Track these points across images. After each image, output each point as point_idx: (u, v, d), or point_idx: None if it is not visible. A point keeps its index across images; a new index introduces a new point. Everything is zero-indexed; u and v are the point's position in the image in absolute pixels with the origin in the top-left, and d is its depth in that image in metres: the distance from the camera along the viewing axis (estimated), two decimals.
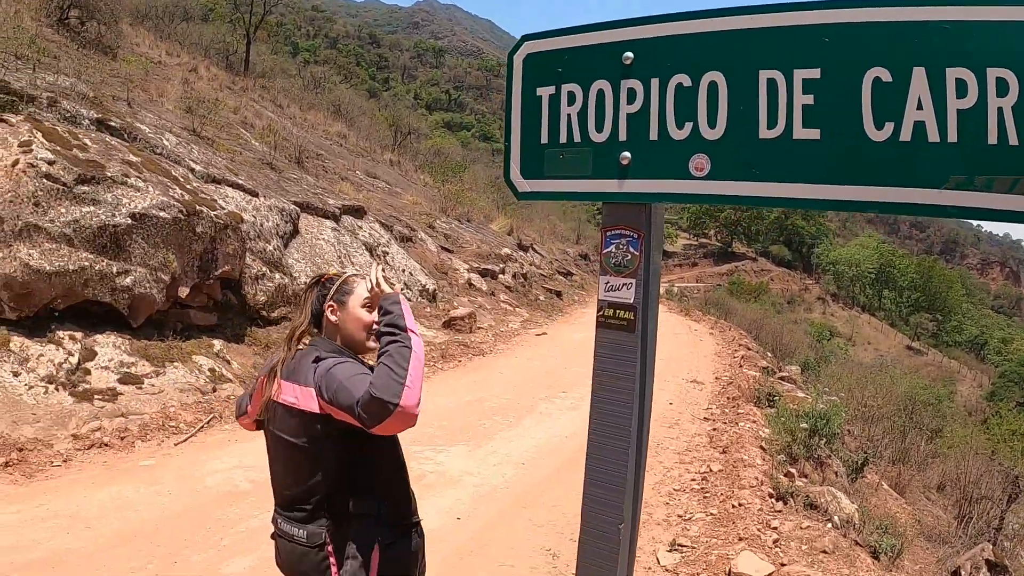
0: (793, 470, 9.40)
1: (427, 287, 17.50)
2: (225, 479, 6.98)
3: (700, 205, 69.76)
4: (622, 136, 2.62)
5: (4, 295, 8.01)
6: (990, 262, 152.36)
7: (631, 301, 2.71)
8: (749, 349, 19.87)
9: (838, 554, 6.55)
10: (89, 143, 9.85)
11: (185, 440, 7.94)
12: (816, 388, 16.20)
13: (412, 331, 2.50)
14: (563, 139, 2.79)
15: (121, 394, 8.32)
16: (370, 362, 2.62)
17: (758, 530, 6.76)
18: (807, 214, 74.88)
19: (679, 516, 7.21)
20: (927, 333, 67.01)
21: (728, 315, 29.09)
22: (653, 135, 2.54)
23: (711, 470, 8.49)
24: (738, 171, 2.35)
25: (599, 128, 2.68)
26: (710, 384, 14.09)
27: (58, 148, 9.04)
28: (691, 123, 2.45)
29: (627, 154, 2.61)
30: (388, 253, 17.24)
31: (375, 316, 2.63)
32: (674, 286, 43.65)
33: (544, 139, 2.85)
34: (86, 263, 8.60)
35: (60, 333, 8.51)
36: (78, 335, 8.63)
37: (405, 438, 7.28)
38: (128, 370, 8.67)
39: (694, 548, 6.41)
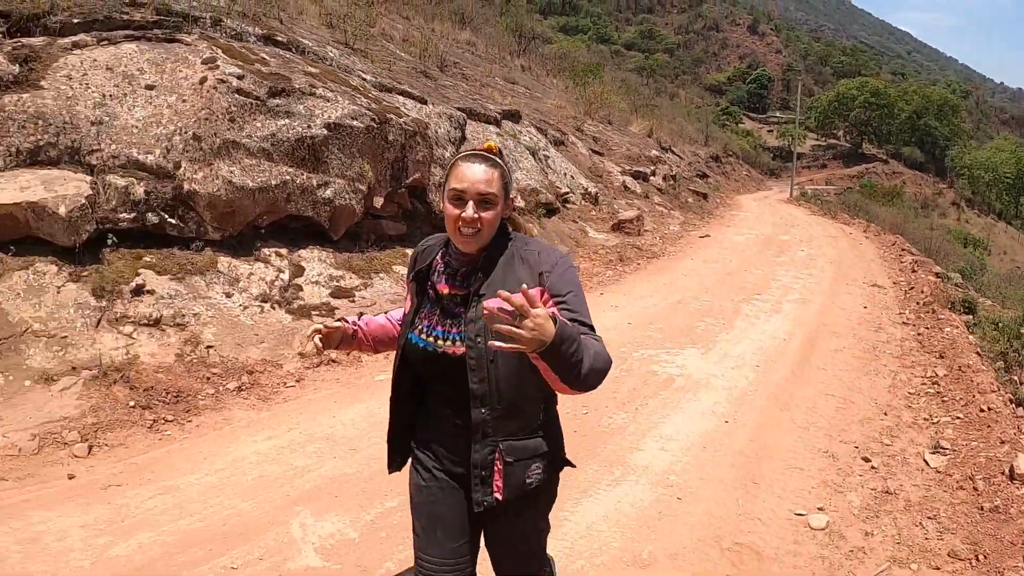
0: (1015, 377, 9.11)
1: (589, 190, 17.35)
2: None
3: (829, 103, 66.76)
4: None
5: (208, 215, 7.91)
6: None
7: None
8: (912, 254, 19.15)
9: None
10: (267, 57, 9.70)
11: None
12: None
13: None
14: None
15: (336, 308, 8.25)
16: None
17: (1015, 434, 6.53)
18: (940, 113, 71.24)
19: (925, 419, 7.04)
20: None
21: (872, 219, 28.03)
22: None
23: (937, 375, 8.23)
24: None
25: None
26: (891, 288, 13.66)
27: (240, 63, 8.88)
28: None
29: None
30: (548, 157, 17.07)
31: (464, 212, 2.31)
32: (805, 188, 42.32)
33: None
34: (287, 177, 8.55)
35: (266, 250, 8.43)
36: (283, 251, 8.58)
37: (636, 342, 6.89)
38: (338, 284, 8.64)
39: (956, 451, 6.25)
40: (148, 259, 7.40)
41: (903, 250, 19.50)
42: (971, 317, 11.70)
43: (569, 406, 6.44)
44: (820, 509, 5.07)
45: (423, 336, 2.41)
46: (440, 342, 2.37)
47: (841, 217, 27.61)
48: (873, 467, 5.88)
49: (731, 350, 8.71)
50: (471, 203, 2.28)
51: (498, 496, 2.38)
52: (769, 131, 70.17)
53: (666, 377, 7.55)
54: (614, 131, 25.49)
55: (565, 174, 17.02)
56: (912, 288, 13.55)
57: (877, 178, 57.09)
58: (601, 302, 10.47)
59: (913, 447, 6.40)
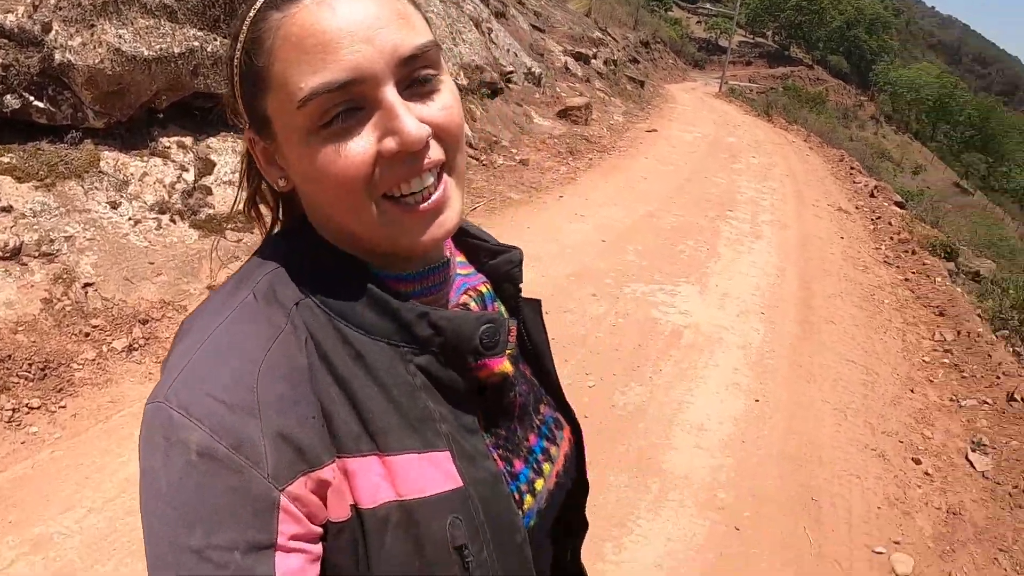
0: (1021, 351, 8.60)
1: (532, 70, 15.97)
2: None
3: (761, 1, 66.93)
4: None
5: (87, 95, 5.93)
6: None
7: None
8: (862, 174, 18.68)
9: None
10: None
11: None
12: None
13: None
14: None
15: (254, 216, 6.65)
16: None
17: None
18: (871, 28, 72.27)
19: (951, 400, 6.40)
20: (977, 174, 65.57)
21: (808, 127, 27.60)
22: None
23: (945, 338, 7.59)
24: None
25: None
26: (855, 214, 13.17)
27: None
28: None
29: None
30: (492, 30, 15.51)
31: (400, 128, 0.77)
32: (728, 82, 42.18)
33: None
34: (195, 43, 6.66)
35: (165, 141, 6.50)
36: (187, 141, 6.68)
37: (620, 270, 5.76)
38: None
39: (998, 449, 5.62)
40: (5, 159, 5.42)
41: (852, 168, 19.07)
42: (953, 264, 11.23)
43: (571, 374, 5.42)
44: (896, 543, 4.32)
45: (537, 482, 0.99)
46: (547, 466, 1.02)
47: (778, 121, 27.12)
48: (927, 473, 5.19)
49: (728, 288, 7.85)
50: (389, 98, 0.77)
51: None
52: (698, 22, 69.45)
53: (672, 328, 6.55)
54: (554, 6, 24.03)
55: (508, 50, 15.55)
56: (879, 218, 13.06)
57: (801, 82, 57.44)
58: (563, 208, 9.29)
59: (952, 441, 5.75)
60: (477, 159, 10.43)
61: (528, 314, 1.07)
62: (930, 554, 4.30)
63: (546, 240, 7.87)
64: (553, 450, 1.03)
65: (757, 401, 5.59)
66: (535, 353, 1.08)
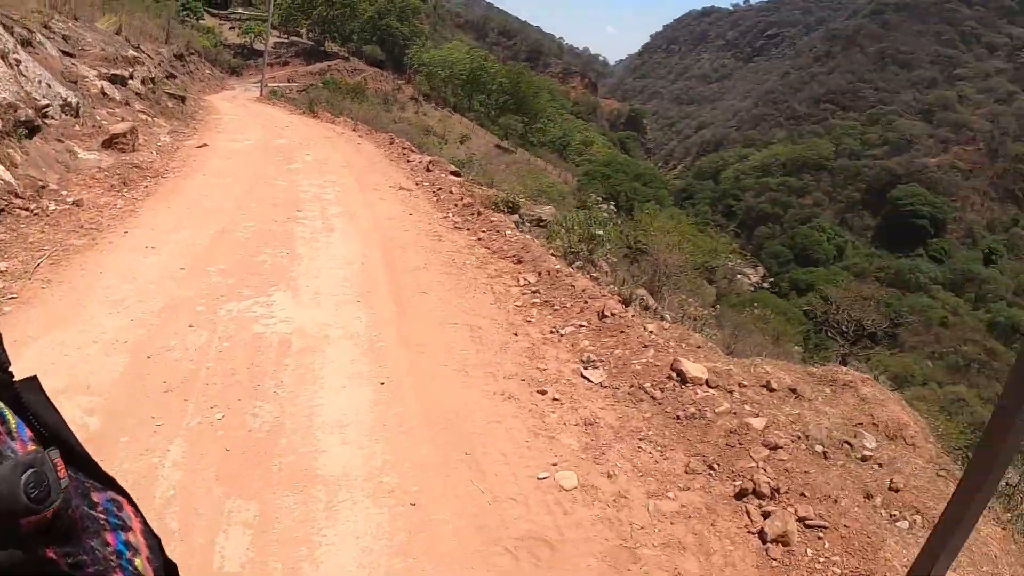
0: (598, 274, 9.51)
1: (69, 100, 14.68)
2: None
3: (292, 1, 67.47)
4: None
5: None
6: (571, 72, 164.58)
7: None
8: (414, 151, 19.56)
9: (705, 348, 6.97)
10: None
11: None
12: (591, 198, 16.26)
13: None
14: None
15: None
16: None
17: (650, 335, 6.82)
18: (402, 15, 75.87)
19: (551, 332, 7.15)
20: (516, 133, 71.54)
21: (355, 117, 28.34)
22: None
23: (530, 281, 8.42)
24: None
25: None
26: (418, 190, 13.83)
27: None
28: None
29: None
30: (20, 61, 14.07)
31: None
32: (268, 85, 42.10)
33: None
34: None
35: None
36: None
37: (209, 293, 6.48)
38: None
39: (604, 360, 6.43)
40: None
41: (404, 148, 19.86)
42: (517, 216, 12.11)
43: (195, 412, 5.02)
44: (555, 465, 4.79)
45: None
46: (139, 561, 0.91)
47: (324, 116, 27.54)
48: (555, 399, 5.74)
49: (319, 286, 7.77)
50: None
51: None
52: (231, 28, 68.08)
53: (279, 339, 6.31)
54: (84, 28, 22.42)
55: (41, 82, 14.13)
56: (440, 189, 13.83)
57: (339, 75, 58.67)
58: (131, 243, 8.48)
59: (565, 366, 6.42)
60: (27, 209, 9.32)
61: (31, 398, 0.87)
62: (586, 463, 4.77)
63: (124, 281, 7.14)
64: (132, 537, 0.91)
65: (383, 384, 5.67)
66: (58, 440, 0.88)
